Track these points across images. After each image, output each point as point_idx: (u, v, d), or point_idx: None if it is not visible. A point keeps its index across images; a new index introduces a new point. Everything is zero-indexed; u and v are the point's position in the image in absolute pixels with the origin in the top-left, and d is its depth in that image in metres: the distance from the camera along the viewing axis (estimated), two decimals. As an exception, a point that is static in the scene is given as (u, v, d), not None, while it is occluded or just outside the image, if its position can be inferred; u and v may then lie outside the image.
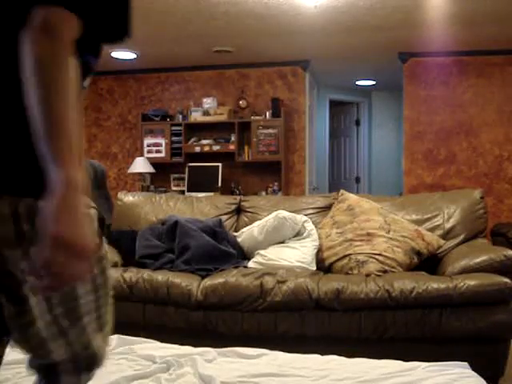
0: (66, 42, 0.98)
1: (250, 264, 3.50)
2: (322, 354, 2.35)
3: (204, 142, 6.81)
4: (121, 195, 4.20)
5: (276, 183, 6.68)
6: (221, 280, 3.17)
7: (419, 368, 2.18)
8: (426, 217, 3.61)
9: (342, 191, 3.84)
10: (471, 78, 6.23)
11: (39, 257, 0.92)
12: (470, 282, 2.87)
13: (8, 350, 2.30)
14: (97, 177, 4.99)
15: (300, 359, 2.31)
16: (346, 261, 3.34)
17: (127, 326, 3.06)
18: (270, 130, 6.59)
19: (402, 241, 3.38)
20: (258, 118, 6.69)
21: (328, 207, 3.79)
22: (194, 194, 5.94)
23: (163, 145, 6.86)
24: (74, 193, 0.93)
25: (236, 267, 3.41)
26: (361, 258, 3.30)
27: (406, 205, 3.73)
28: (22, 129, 1.01)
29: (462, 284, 2.86)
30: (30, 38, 0.96)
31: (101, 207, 4.44)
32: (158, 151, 6.88)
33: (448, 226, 3.54)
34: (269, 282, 3.07)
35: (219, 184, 6.56)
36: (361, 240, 3.40)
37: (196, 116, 6.82)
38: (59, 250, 0.91)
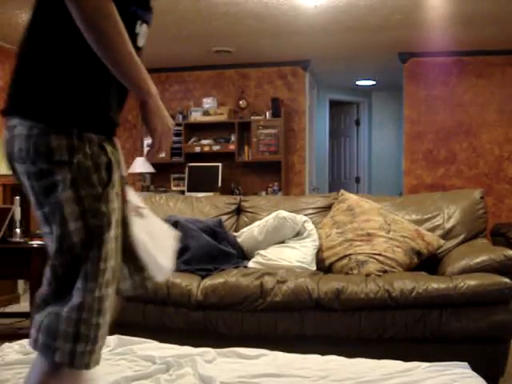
0: None
1: (250, 264, 3.49)
2: (321, 354, 2.35)
3: (204, 141, 6.80)
4: (121, 195, 4.20)
5: (276, 183, 6.68)
6: (221, 280, 3.17)
7: (419, 368, 2.18)
8: (425, 217, 3.61)
9: (342, 191, 3.84)
10: (471, 78, 6.23)
11: (152, 135, 1.39)
12: (470, 282, 2.87)
13: (8, 350, 2.29)
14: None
15: (300, 359, 2.31)
16: (346, 261, 3.34)
17: (127, 326, 3.05)
18: (270, 130, 6.59)
19: (401, 241, 3.38)
20: (258, 117, 6.69)
21: (328, 207, 3.79)
22: (193, 193, 5.94)
23: (163, 145, 6.86)
24: (156, 98, 1.39)
25: (236, 267, 3.41)
26: (361, 258, 3.30)
27: (405, 205, 3.73)
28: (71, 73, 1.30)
29: (462, 284, 2.86)
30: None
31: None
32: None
33: (448, 225, 3.54)
34: (269, 282, 3.07)
35: (219, 184, 6.56)
36: (361, 240, 3.40)
37: (196, 116, 6.82)
38: (157, 135, 1.40)
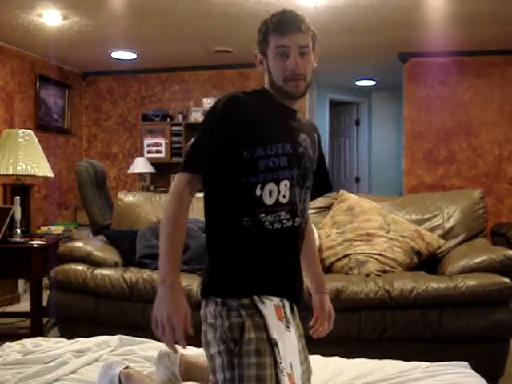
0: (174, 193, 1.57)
1: (250, 264, 3.49)
2: (322, 354, 2.35)
3: (204, 142, 6.80)
4: (121, 195, 4.20)
5: (276, 183, 6.67)
6: (221, 280, 3.17)
7: (419, 368, 2.18)
8: (426, 217, 3.61)
9: (341, 191, 3.84)
10: (471, 78, 6.23)
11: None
12: (470, 281, 2.87)
13: (9, 350, 2.29)
14: (97, 177, 4.99)
15: (300, 359, 2.31)
16: (345, 261, 3.34)
17: (127, 326, 3.06)
18: (270, 130, 6.59)
19: (401, 241, 3.38)
20: (258, 118, 6.68)
21: (328, 207, 3.79)
22: (194, 194, 5.94)
23: (163, 145, 6.86)
24: (166, 288, 1.53)
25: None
26: (361, 257, 3.31)
27: (405, 205, 3.73)
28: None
29: (461, 284, 2.86)
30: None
31: (101, 207, 4.48)
32: (157, 151, 6.88)
33: (448, 225, 3.54)
34: (269, 282, 3.06)
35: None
36: (361, 240, 3.40)
37: (196, 116, 6.82)
38: (155, 325, 1.51)
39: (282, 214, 1.59)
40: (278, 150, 1.58)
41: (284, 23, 1.62)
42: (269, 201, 1.57)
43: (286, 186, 1.59)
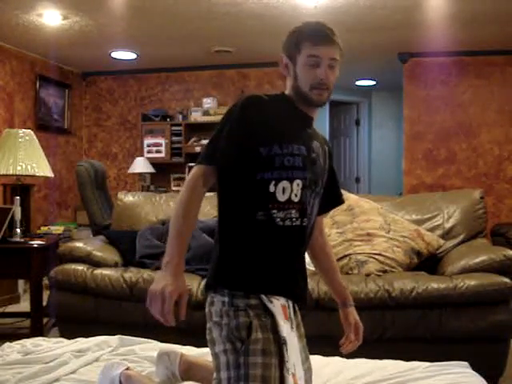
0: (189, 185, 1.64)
1: (250, 264, 3.49)
2: (322, 354, 2.35)
3: (204, 141, 6.79)
4: (121, 195, 4.20)
5: (276, 183, 6.67)
6: (221, 280, 3.17)
7: (419, 368, 2.18)
8: (425, 217, 3.61)
9: (341, 191, 3.83)
10: (471, 78, 6.23)
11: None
12: (470, 281, 2.87)
13: (9, 350, 2.29)
14: (97, 177, 4.99)
15: (300, 359, 2.31)
16: (345, 261, 3.34)
17: (127, 326, 3.06)
18: (270, 130, 6.59)
19: (401, 241, 3.38)
20: (258, 118, 6.68)
21: (328, 207, 3.78)
22: (194, 194, 5.94)
23: (163, 145, 6.87)
24: (167, 268, 1.57)
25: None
26: (361, 257, 3.31)
27: (405, 205, 3.73)
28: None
29: (462, 284, 2.86)
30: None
31: (101, 207, 4.48)
32: (158, 151, 6.88)
33: (448, 225, 3.54)
34: (269, 282, 3.06)
35: (219, 184, 6.56)
36: (361, 240, 3.40)
37: (196, 116, 6.82)
38: (149, 298, 1.52)
39: (293, 212, 1.64)
40: (294, 151, 1.64)
41: (319, 34, 1.67)
42: (281, 198, 1.62)
43: (298, 185, 1.64)
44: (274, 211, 1.61)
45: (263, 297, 1.60)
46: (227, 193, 1.68)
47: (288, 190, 1.62)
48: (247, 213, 1.63)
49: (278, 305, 1.62)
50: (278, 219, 1.62)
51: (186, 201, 1.61)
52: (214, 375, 1.60)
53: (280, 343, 1.57)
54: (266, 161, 1.61)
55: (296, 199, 1.64)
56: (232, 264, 1.65)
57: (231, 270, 1.64)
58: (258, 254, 1.64)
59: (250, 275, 1.63)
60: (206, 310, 1.66)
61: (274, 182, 1.61)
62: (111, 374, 2.01)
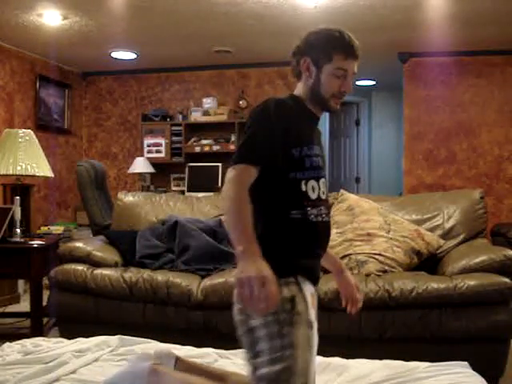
0: (237, 182, 1.61)
1: (250, 264, 3.49)
2: (322, 354, 2.35)
3: (204, 141, 6.80)
4: (121, 195, 4.20)
5: (276, 183, 6.67)
6: (221, 280, 3.17)
7: (419, 368, 2.18)
8: (426, 217, 3.61)
9: (341, 191, 3.84)
10: (471, 78, 6.23)
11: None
12: (470, 281, 2.87)
13: (9, 350, 2.29)
14: (97, 177, 4.99)
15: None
16: (345, 261, 3.34)
17: (127, 326, 3.06)
18: (270, 130, 6.59)
19: (401, 241, 3.38)
20: (258, 118, 6.67)
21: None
22: (193, 193, 5.94)
23: (163, 145, 6.86)
24: (249, 256, 1.53)
25: (236, 267, 3.41)
26: (361, 257, 3.30)
27: (405, 205, 3.73)
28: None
29: (462, 284, 2.86)
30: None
31: (101, 207, 4.48)
32: (157, 151, 6.88)
33: (448, 225, 3.54)
34: (269, 282, 3.06)
35: (219, 184, 6.56)
36: (361, 240, 3.40)
37: (196, 116, 6.82)
38: (240, 287, 1.49)
39: (323, 208, 1.76)
40: (316, 151, 1.76)
41: (351, 48, 1.75)
42: (313, 196, 1.73)
43: (323, 183, 1.78)
44: (309, 208, 1.71)
45: (299, 278, 1.67)
46: (260, 192, 1.70)
47: (316, 189, 1.74)
48: (282, 211, 1.70)
49: (309, 291, 1.70)
50: (312, 216, 1.71)
51: (239, 193, 1.60)
52: (249, 351, 1.63)
53: (308, 326, 1.64)
54: (298, 161, 1.70)
55: (324, 196, 1.77)
56: (270, 257, 1.61)
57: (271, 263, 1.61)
58: (293, 249, 1.70)
59: (287, 266, 1.68)
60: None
61: (304, 182, 1.71)
62: (139, 365, 2.01)
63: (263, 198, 1.71)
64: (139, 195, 4.24)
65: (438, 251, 3.44)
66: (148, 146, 6.89)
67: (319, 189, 1.75)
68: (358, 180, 8.74)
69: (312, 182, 1.73)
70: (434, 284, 2.91)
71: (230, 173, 1.63)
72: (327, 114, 8.31)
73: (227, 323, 3.09)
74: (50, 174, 4.12)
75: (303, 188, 1.70)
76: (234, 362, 2.36)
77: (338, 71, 1.73)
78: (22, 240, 3.80)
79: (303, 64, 1.77)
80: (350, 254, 3.34)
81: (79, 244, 3.60)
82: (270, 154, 1.66)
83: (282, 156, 1.68)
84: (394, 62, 6.39)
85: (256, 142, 1.67)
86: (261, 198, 1.70)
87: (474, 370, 2.16)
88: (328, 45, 1.74)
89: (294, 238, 1.71)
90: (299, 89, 1.81)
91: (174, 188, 6.95)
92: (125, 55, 6.36)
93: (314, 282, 1.78)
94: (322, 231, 1.77)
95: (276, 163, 1.68)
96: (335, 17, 4.93)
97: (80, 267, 3.39)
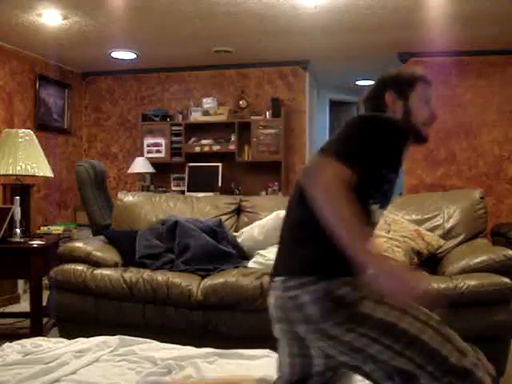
0: (336, 186, 1.50)
1: (250, 264, 3.49)
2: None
3: (204, 141, 6.80)
4: (121, 195, 4.20)
5: (276, 183, 6.68)
6: (221, 280, 3.17)
7: (419, 368, 2.17)
8: (426, 217, 3.61)
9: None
10: (471, 78, 6.23)
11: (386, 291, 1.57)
12: (470, 282, 2.87)
13: (9, 350, 2.29)
14: (97, 177, 4.99)
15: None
16: (346, 261, 3.33)
17: (127, 326, 3.06)
18: (270, 130, 6.59)
19: (401, 241, 3.38)
20: (257, 118, 6.68)
21: (328, 207, 3.78)
22: (194, 193, 5.94)
23: (163, 145, 6.87)
24: (379, 266, 1.52)
25: (236, 267, 3.41)
26: (361, 258, 3.30)
27: (405, 205, 3.73)
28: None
29: (462, 284, 2.86)
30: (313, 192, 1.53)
31: (101, 207, 4.49)
32: (158, 151, 6.88)
33: (448, 225, 3.54)
34: (269, 282, 3.06)
35: (219, 184, 6.56)
36: (361, 240, 3.40)
37: (196, 116, 6.82)
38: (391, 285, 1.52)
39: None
40: (394, 177, 1.77)
41: (430, 79, 1.95)
42: (373, 220, 1.74)
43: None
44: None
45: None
46: None
47: (375, 217, 1.74)
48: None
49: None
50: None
51: (343, 191, 1.51)
52: (357, 330, 1.61)
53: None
54: (379, 180, 1.69)
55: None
56: (323, 257, 1.64)
57: (325, 262, 1.63)
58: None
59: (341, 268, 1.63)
60: (292, 293, 1.67)
61: (374, 206, 1.71)
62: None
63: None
64: (139, 195, 4.24)
65: (438, 251, 3.43)
66: (148, 145, 6.89)
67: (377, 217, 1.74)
68: (358, 180, 8.72)
69: (378, 210, 1.71)
70: (434, 284, 2.91)
71: (329, 168, 1.53)
72: (327, 114, 8.33)
73: (227, 323, 3.10)
74: (49, 173, 4.12)
75: (371, 209, 1.68)
76: (233, 362, 2.35)
77: (426, 97, 1.96)
78: (22, 240, 3.79)
79: (387, 98, 1.97)
80: (350, 254, 3.34)
81: (79, 244, 3.60)
82: (364, 169, 1.60)
83: (371, 173, 1.64)
84: (394, 62, 6.39)
85: (362, 152, 1.61)
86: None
87: (474, 370, 2.15)
88: (408, 76, 2.01)
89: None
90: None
91: (173, 188, 6.95)
92: (125, 55, 6.36)
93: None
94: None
95: (362, 177, 1.60)
96: (335, 17, 4.93)
97: (80, 267, 3.39)
